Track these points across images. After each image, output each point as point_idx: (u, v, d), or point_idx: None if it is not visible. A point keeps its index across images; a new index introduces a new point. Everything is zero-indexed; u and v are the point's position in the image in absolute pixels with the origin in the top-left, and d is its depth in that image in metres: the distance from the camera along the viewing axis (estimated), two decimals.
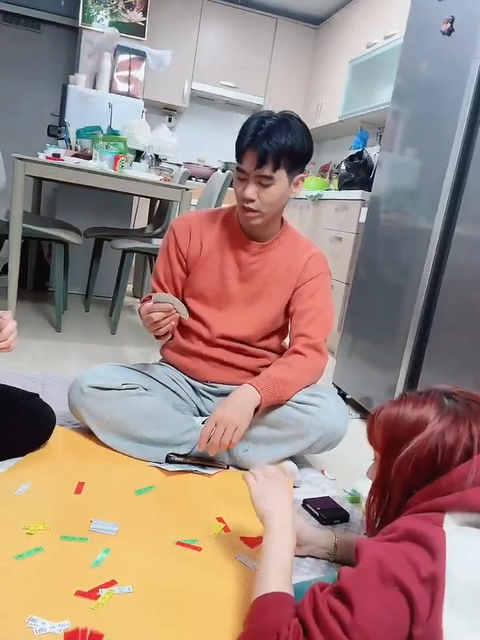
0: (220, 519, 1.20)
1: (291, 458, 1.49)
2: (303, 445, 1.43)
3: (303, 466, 1.55)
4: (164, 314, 1.38)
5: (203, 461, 1.44)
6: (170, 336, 1.60)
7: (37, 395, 1.43)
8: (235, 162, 1.42)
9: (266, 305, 1.56)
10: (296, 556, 1.09)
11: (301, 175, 1.47)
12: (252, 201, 1.40)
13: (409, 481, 0.86)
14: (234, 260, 1.54)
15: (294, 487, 1.43)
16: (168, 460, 1.42)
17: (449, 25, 1.89)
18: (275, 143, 1.34)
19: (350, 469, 1.53)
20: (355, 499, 1.40)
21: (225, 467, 1.46)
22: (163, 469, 1.39)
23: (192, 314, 1.55)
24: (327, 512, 1.28)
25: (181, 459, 1.42)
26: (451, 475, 0.80)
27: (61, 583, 0.94)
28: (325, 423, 1.41)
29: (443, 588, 0.70)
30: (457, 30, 1.86)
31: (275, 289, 1.55)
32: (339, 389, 2.33)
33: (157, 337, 1.53)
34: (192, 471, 1.40)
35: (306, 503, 1.32)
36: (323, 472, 1.56)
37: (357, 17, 4.05)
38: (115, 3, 3.79)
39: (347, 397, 2.29)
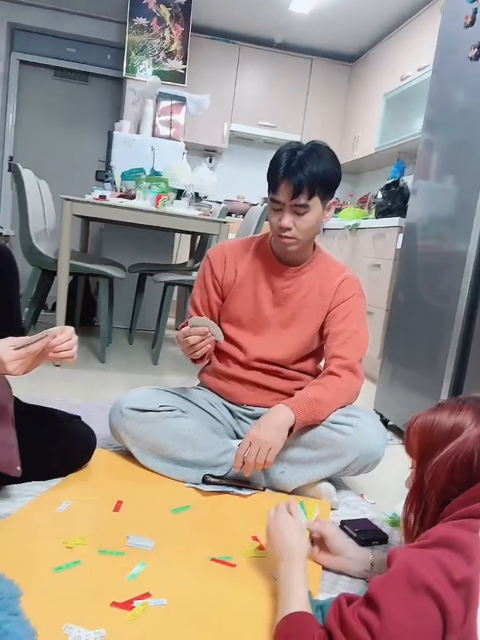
0: (255, 538, 1.20)
1: (329, 480, 1.48)
2: (340, 465, 1.41)
3: (341, 489, 1.53)
4: (200, 337, 1.41)
5: (240, 483, 1.45)
6: (207, 360, 1.64)
7: (79, 417, 1.48)
8: (269, 194, 1.47)
9: (300, 327, 1.57)
10: (331, 571, 1.09)
11: (333, 200, 1.51)
12: (289, 229, 1.44)
13: (445, 488, 0.85)
14: (268, 285, 1.57)
15: (331, 508, 1.42)
16: (204, 481, 1.44)
17: (476, 50, 1.92)
18: (308, 172, 1.38)
19: (391, 494, 1.50)
20: (395, 522, 1.37)
21: (262, 488, 1.46)
22: (200, 490, 1.41)
23: (228, 338, 1.59)
24: (365, 533, 1.25)
25: (217, 480, 1.44)
26: None
27: (97, 594, 0.96)
28: (361, 443, 1.40)
29: (477, 593, 0.69)
30: None
31: (308, 311, 1.57)
32: (381, 415, 2.30)
33: (194, 361, 1.57)
34: (228, 492, 1.41)
35: (343, 524, 1.30)
36: (362, 496, 1.53)
37: (390, 52, 4.14)
38: (156, 53, 4.02)
39: (389, 423, 2.25)
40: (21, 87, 4.86)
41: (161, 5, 3.94)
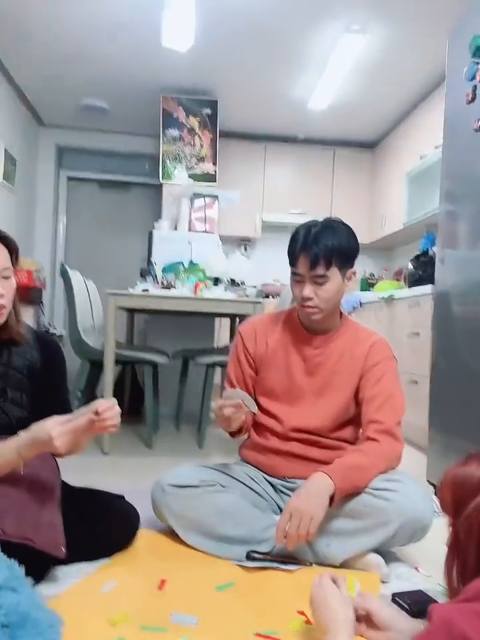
0: (301, 613, 1.16)
1: (379, 553, 1.42)
2: (386, 534, 1.37)
3: (393, 561, 1.47)
4: (234, 409, 1.45)
5: (285, 558, 1.41)
6: (245, 433, 1.66)
7: (123, 497, 1.51)
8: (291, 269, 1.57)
9: (334, 395, 1.59)
10: None
11: (352, 270, 1.58)
12: (310, 299, 1.51)
13: None
14: (299, 355, 1.62)
15: (382, 582, 1.35)
16: (248, 557, 1.41)
17: (479, 122, 2.04)
18: (323, 245, 1.48)
19: None
20: None
21: (308, 563, 1.42)
22: (244, 566, 1.38)
23: (264, 411, 1.62)
24: (418, 604, 1.19)
25: (261, 556, 1.41)
26: None
27: None
28: (406, 509, 1.36)
29: None
30: None
31: (341, 378, 1.59)
32: (434, 486, 2.20)
33: (231, 435, 1.60)
34: (273, 568, 1.38)
35: (395, 597, 1.24)
36: (417, 569, 1.46)
37: (407, 134, 4.37)
38: (189, 159, 4.39)
39: None
40: (70, 200, 5.35)
41: (190, 117, 4.36)
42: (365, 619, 1.06)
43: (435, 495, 1.79)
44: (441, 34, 2.59)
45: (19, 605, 0.76)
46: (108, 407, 1.20)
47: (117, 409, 1.22)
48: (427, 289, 2.94)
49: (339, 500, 1.37)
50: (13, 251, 1.29)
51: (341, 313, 1.67)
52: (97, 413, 1.18)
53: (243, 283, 3.66)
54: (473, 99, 2.10)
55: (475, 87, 2.09)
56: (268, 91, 4.25)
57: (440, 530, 1.37)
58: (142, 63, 3.88)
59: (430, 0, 2.99)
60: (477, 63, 2.08)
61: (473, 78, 2.10)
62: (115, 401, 1.24)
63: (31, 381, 1.36)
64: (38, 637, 0.77)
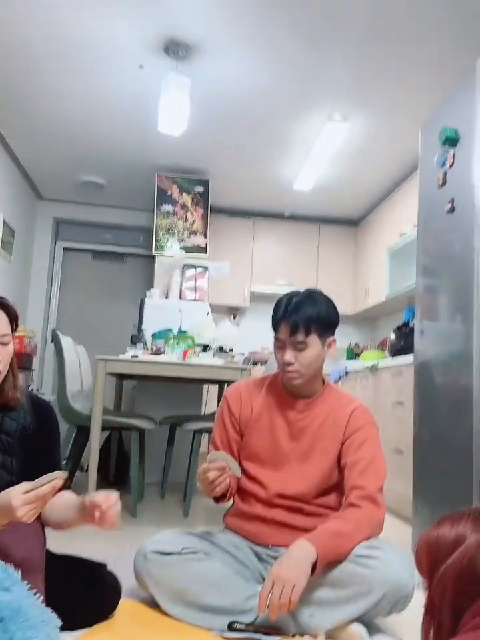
0: None
1: (363, 623, 1.41)
2: (369, 603, 1.36)
3: (377, 632, 1.45)
4: (218, 472, 1.48)
5: (268, 629, 1.39)
6: (228, 499, 1.67)
7: (105, 566, 1.50)
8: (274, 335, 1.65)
9: (318, 460, 1.62)
10: None
11: (332, 338, 1.66)
12: (291, 363, 1.59)
13: (455, 601, 0.85)
14: (283, 419, 1.67)
15: None
16: (231, 628, 1.39)
17: (450, 205, 2.21)
18: (303, 313, 1.57)
19: None
20: None
21: (291, 635, 1.40)
22: (226, 637, 1.36)
23: (249, 476, 1.64)
24: None
25: (244, 627, 1.39)
26: None
27: None
28: (388, 576, 1.36)
29: None
30: (457, 208, 2.17)
31: (324, 443, 1.63)
32: None
33: (216, 500, 1.61)
34: (256, 639, 1.36)
35: None
36: None
37: (388, 213, 4.63)
38: (181, 232, 4.59)
39: None
40: (64, 270, 5.51)
41: (183, 194, 4.60)
42: None
43: None
44: (415, 124, 2.83)
45: (11, 601, 0.77)
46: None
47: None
48: (408, 358, 3.02)
49: (322, 567, 1.38)
50: (12, 318, 1.34)
51: (323, 380, 1.73)
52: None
53: (231, 350, 3.73)
54: (444, 183, 2.29)
55: (445, 172, 2.28)
56: (256, 172, 4.53)
57: (423, 600, 1.38)
58: (138, 143, 4.15)
59: (406, 94, 3.30)
60: (446, 152, 2.28)
61: (443, 164, 2.30)
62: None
63: (22, 446, 1.38)
64: (29, 630, 0.78)
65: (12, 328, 1.34)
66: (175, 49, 3.00)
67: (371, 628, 1.44)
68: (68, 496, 1.35)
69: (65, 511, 1.32)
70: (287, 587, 1.29)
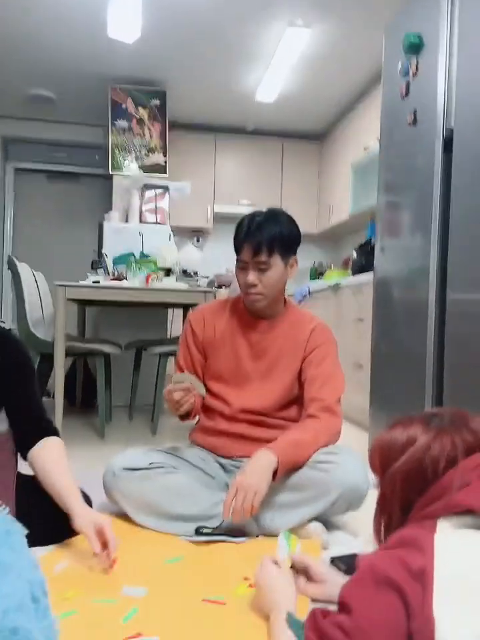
0: (246, 578, 1.24)
1: (320, 521, 1.52)
2: (325, 504, 1.46)
3: (334, 529, 1.56)
4: (183, 392, 1.51)
5: (233, 531, 1.48)
6: (194, 417, 1.72)
7: None
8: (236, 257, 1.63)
9: (279, 377, 1.67)
10: (319, 601, 1.12)
11: (294, 257, 1.66)
12: (254, 285, 1.58)
13: (405, 496, 0.91)
14: (245, 340, 1.69)
15: (323, 549, 1.45)
16: (197, 532, 1.48)
17: (413, 116, 2.15)
18: (266, 233, 1.55)
19: None
20: None
21: (255, 536, 1.50)
22: (194, 541, 1.44)
23: (213, 394, 1.69)
24: (352, 565, 1.27)
25: (210, 531, 1.48)
26: (439, 482, 0.86)
27: (92, 638, 1.00)
28: (344, 479, 1.45)
29: (432, 580, 0.75)
30: (420, 119, 2.11)
31: (285, 361, 1.67)
32: None
33: (181, 418, 1.66)
34: (221, 541, 1.45)
35: (333, 559, 1.33)
36: (355, 536, 1.56)
37: (352, 127, 4.50)
38: (138, 150, 4.38)
39: None
40: (17, 192, 5.24)
41: (139, 107, 4.35)
42: (303, 573, 1.15)
43: None
44: (379, 29, 2.69)
45: None
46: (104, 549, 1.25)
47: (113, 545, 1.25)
48: (369, 276, 3.06)
49: (282, 474, 1.45)
50: None
51: (285, 300, 1.74)
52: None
53: (195, 274, 3.70)
54: (407, 94, 2.22)
55: (408, 82, 2.20)
56: (217, 83, 4.29)
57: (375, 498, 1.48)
58: (88, 52, 3.85)
59: None
60: (410, 60, 2.19)
61: (407, 74, 2.21)
62: (113, 543, 1.25)
63: None
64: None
65: None
66: None
67: (329, 525, 1.55)
68: (62, 482, 1.36)
69: (56, 495, 1.35)
70: (249, 493, 1.36)
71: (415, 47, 2.13)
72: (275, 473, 1.42)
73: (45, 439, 1.42)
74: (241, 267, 1.62)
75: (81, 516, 1.29)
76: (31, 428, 1.42)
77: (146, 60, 3.96)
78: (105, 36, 3.42)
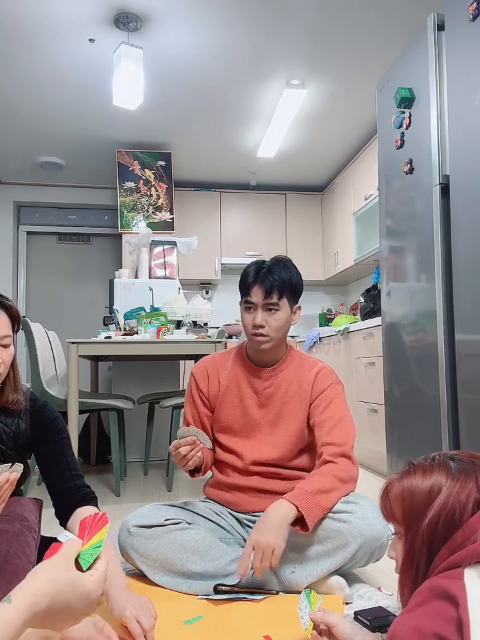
0: (267, 637, 1.20)
1: (341, 575, 1.47)
2: (346, 555, 1.42)
3: (356, 582, 1.51)
4: (190, 447, 1.50)
5: (252, 589, 1.44)
6: (203, 472, 1.68)
7: None
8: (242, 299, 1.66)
9: (288, 424, 1.66)
10: None
11: (298, 305, 1.69)
12: (262, 326, 1.59)
13: (433, 545, 0.88)
14: (250, 388, 1.69)
15: (346, 603, 1.40)
16: (216, 591, 1.43)
17: (409, 165, 2.23)
18: (277, 276, 1.59)
19: None
20: None
21: (274, 592, 1.45)
22: (212, 599, 1.41)
23: (223, 447, 1.67)
24: (377, 619, 1.24)
25: (229, 588, 1.44)
26: (464, 529, 0.83)
27: None
28: (363, 529, 1.42)
29: (469, 632, 0.72)
30: (416, 168, 2.18)
31: (292, 407, 1.66)
32: None
33: (191, 474, 1.63)
34: (240, 599, 1.41)
35: (357, 615, 1.28)
36: (379, 589, 1.51)
37: (352, 178, 4.63)
38: (146, 209, 4.53)
39: None
40: (30, 254, 5.40)
41: (145, 169, 4.53)
42: (326, 633, 1.10)
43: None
44: (372, 85, 2.82)
45: None
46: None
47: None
48: (378, 320, 3.08)
49: (313, 522, 1.38)
50: (14, 319, 1.28)
51: (287, 346, 1.75)
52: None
53: (205, 325, 3.74)
54: (402, 145, 2.30)
55: (403, 134, 2.29)
56: (219, 142, 4.47)
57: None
58: (95, 119, 4.05)
59: (361, 55, 3.27)
60: (403, 113, 2.29)
61: (400, 126, 2.31)
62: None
63: (18, 451, 1.35)
64: None
65: (13, 329, 1.28)
66: (126, 20, 2.92)
67: (350, 578, 1.50)
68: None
69: None
70: (266, 551, 1.31)
71: (406, 101, 2.23)
72: (296, 522, 1.38)
73: (80, 508, 1.35)
74: (248, 308, 1.63)
75: (119, 601, 1.20)
76: (68, 496, 1.37)
77: (150, 124, 4.15)
78: (110, 104, 3.60)
